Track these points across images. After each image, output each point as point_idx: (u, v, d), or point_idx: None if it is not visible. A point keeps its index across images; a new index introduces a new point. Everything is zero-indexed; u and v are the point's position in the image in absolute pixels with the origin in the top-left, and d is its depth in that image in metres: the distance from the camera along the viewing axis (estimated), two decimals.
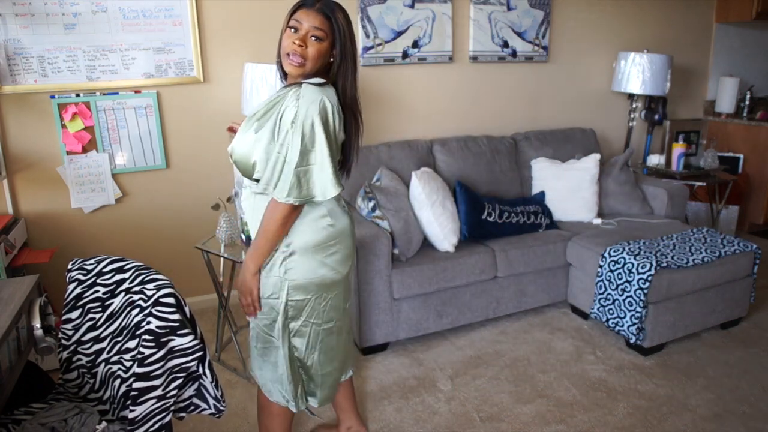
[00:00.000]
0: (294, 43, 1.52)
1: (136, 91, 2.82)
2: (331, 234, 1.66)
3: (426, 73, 3.45)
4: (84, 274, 1.62)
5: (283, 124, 1.52)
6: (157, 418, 1.35)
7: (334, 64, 1.58)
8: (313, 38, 1.52)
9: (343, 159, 1.70)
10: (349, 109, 1.63)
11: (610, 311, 2.75)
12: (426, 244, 2.84)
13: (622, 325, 2.68)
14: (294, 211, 1.58)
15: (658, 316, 2.63)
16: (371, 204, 2.72)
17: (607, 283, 2.76)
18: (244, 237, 2.54)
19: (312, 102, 1.50)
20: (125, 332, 1.51)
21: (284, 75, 1.66)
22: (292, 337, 1.72)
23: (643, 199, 3.46)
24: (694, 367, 2.62)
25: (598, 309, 2.83)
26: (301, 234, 1.62)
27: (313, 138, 1.51)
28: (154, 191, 2.97)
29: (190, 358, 1.39)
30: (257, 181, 1.60)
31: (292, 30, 1.54)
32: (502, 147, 3.41)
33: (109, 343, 1.56)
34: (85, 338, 1.59)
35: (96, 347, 1.58)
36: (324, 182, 1.56)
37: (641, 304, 2.58)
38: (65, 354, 1.62)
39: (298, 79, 1.58)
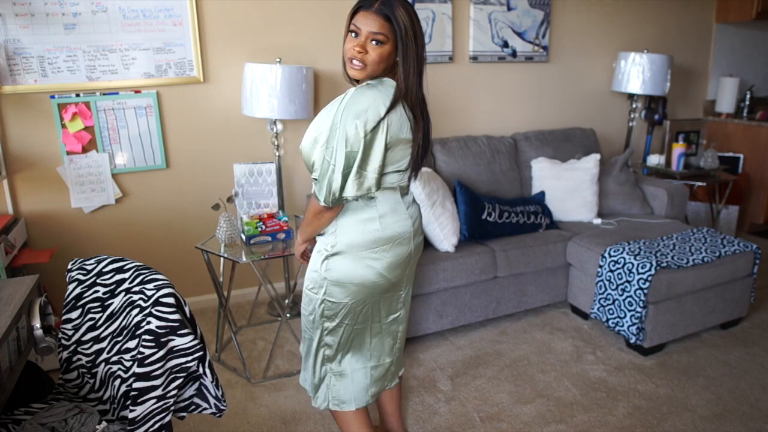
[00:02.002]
0: (354, 48, 1.49)
1: (136, 91, 2.82)
2: (379, 239, 1.63)
3: (426, 73, 3.44)
4: (84, 274, 1.62)
5: (332, 125, 1.52)
6: (157, 418, 1.35)
7: (398, 65, 1.53)
8: (373, 42, 1.48)
9: (411, 159, 1.63)
10: (411, 110, 1.57)
11: (610, 311, 2.75)
12: (426, 244, 2.84)
13: (622, 325, 2.68)
14: (327, 211, 1.58)
15: (658, 316, 2.63)
16: None
17: (607, 283, 2.76)
18: (244, 237, 2.54)
19: (353, 105, 1.48)
20: (125, 332, 1.51)
21: (350, 78, 1.62)
22: (325, 335, 1.73)
23: (643, 199, 3.47)
24: (694, 367, 2.62)
25: (598, 309, 2.83)
26: (346, 234, 1.62)
27: (347, 141, 1.48)
28: (154, 191, 2.97)
29: (190, 358, 1.39)
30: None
31: (353, 35, 1.50)
32: (502, 147, 3.41)
33: (109, 343, 1.56)
34: (85, 338, 1.59)
35: (96, 347, 1.58)
36: (333, 185, 1.52)
37: (641, 304, 2.58)
38: (65, 354, 1.62)
39: (362, 82, 1.56)
